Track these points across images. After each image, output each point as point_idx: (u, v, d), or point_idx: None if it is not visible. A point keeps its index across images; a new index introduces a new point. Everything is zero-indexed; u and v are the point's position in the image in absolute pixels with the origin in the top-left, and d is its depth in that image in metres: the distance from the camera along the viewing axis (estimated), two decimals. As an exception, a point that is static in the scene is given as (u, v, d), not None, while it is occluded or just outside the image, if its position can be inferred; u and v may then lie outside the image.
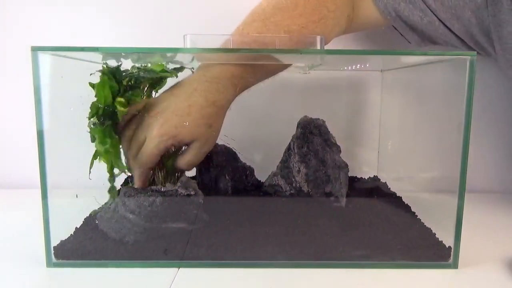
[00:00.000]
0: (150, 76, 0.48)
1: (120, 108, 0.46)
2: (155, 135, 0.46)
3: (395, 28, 0.59)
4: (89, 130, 0.47)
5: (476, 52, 0.42)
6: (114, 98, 0.46)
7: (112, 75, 0.46)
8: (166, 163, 0.49)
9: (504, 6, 0.49)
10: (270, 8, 0.53)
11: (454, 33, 0.55)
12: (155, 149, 0.46)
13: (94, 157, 0.47)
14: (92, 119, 0.46)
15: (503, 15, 0.50)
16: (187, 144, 0.48)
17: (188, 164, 0.49)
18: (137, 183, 0.48)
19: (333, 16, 0.54)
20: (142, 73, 0.48)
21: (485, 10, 0.50)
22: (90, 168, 0.47)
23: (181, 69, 0.51)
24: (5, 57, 0.70)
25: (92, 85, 0.46)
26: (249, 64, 0.50)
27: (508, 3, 0.49)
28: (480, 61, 0.57)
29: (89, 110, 0.46)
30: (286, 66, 0.57)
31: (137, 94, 0.48)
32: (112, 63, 0.47)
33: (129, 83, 0.48)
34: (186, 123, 0.46)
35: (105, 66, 0.47)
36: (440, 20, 0.54)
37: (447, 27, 0.54)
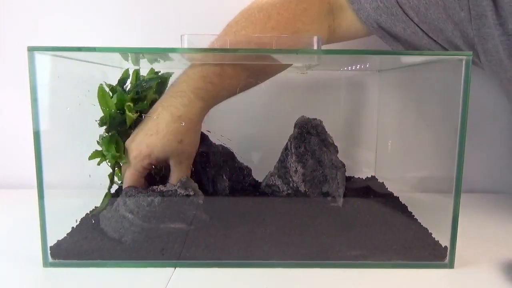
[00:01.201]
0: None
1: (128, 113, 0.47)
2: (131, 157, 0.47)
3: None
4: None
5: (471, 52, 0.41)
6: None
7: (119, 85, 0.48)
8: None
9: (490, 20, 0.48)
10: (243, 21, 0.52)
11: (439, 43, 0.54)
12: (133, 170, 0.47)
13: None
14: (101, 133, 0.48)
15: (487, 29, 0.49)
16: (165, 161, 0.48)
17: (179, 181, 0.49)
18: None
19: (309, 28, 0.52)
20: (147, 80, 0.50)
21: (469, 23, 0.49)
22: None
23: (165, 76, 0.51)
24: (5, 57, 0.70)
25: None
26: (219, 77, 0.49)
27: (494, 17, 0.47)
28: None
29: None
30: (272, 73, 0.55)
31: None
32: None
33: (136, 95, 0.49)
34: (182, 124, 0.47)
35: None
36: (423, 31, 0.53)
37: (431, 38, 0.53)
